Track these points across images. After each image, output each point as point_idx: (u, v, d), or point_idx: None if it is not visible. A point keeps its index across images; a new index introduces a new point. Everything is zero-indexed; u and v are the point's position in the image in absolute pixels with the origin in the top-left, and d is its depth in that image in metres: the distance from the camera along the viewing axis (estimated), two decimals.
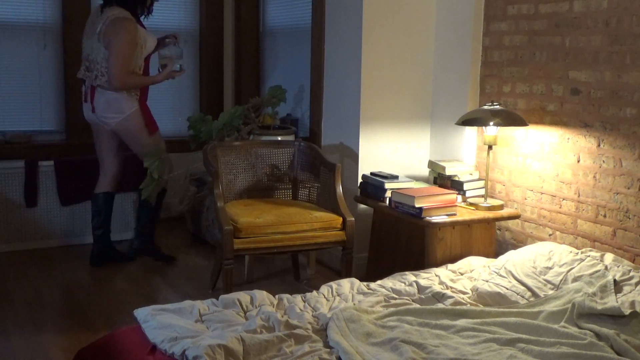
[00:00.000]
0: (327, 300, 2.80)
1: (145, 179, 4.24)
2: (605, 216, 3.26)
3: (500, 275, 3.01)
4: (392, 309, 2.63)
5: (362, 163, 4.14)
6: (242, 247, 3.45)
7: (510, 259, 3.13)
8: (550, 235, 3.56)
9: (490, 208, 3.57)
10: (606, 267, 2.89)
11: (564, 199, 3.48)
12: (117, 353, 2.34)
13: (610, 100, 3.22)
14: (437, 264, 3.32)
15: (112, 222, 4.63)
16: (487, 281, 2.97)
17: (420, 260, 3.43)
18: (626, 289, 2.73)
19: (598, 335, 2.40)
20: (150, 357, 2.26)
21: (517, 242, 3.73)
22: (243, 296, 2.72)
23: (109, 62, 4.07)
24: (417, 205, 3.39)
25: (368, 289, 2.92)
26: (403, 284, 2.95)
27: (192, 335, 2.31)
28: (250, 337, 2.29)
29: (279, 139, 4.32)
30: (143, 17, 4.30)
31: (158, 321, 2.43)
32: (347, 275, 3.54)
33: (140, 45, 4.13)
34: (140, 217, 4.47)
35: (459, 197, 3.67)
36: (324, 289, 2.90)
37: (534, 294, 2.85)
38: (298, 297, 2.78)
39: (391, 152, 4.23)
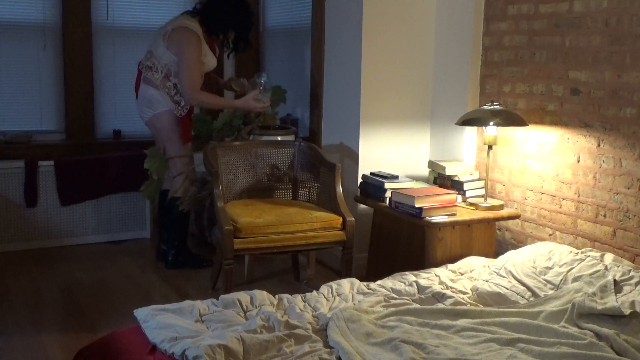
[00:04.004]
0: (327, 300, 2.80)
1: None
2: (605, 216, 3.26)
3: (500, 275, 3.01)
4: (392, 309, 2.63)
5: (362, 163, 4.14)
6: (242, 247, 3.45)
7: (510, 259, 3.13)
8: (550, 235, 3.56)
9: (490, 208, 3.57)
10: (606, 267, 2.89)
11: (564, 199, 3.48)
12: (117, 353, 2.34)
13: (610, 100, 3.22)
14: (437, 264, 3.32)
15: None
16: (487, 281, 2.97)
17: (420, 260, 3.43)
18: (626, 289, 2.73)
19: (598, 335, 2.40)
20: (150, 357, 2.26)
21: (517, 242, 3.73)
22: (243, 296, 2.72)
23: (179, 77, 4.09)
24: (417, 205, 3.39)
25: (368, 289, 2.92)
26: (403, 284, 2.95)
27: (192, 335, 2.31)
28: (250, 337, 2.29)
29: (279, 139, 4.32)
30: (226, 50, 4.36)
31: (158, 321, 2.43)
32: (347, 275, 3.54)
33: (202, 61, 4.14)
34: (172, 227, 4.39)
35: (459, 197, 3.67)
36: (324, 289, 2.89)
37: (534, 294, 2.85)
38: (298, 297, 2.78)
39: (391, 152, 4.23)
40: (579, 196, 3.40)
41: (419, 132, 4.31)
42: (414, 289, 2.90)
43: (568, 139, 3.44)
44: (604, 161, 3.27)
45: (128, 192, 4.87)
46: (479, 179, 3.80)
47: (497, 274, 3.03)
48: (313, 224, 3.58)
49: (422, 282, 2.95)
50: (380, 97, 4.15)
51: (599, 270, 2.86)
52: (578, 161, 3.40)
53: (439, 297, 2.83)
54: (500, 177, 3.86)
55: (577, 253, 3.06)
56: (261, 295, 2.74)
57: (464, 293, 2.92)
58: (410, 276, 3.03)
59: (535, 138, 3.63)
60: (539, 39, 3.57)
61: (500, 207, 3.62)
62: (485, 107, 3.57)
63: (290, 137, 4.41)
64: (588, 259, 2.98)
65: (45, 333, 3.33)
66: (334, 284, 2.93)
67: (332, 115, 4.41)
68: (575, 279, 2.86)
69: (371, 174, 3.86)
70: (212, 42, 4.29)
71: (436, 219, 3.38)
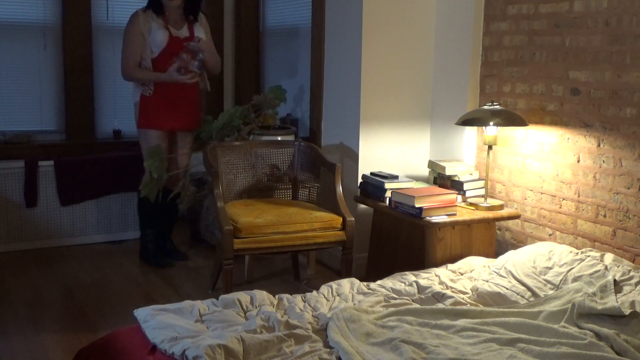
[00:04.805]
0: (327, 300, 2.80)
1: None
2: (605, 216, 3.26)
3: (500, 275, 3.01)
4: (392, 309, 2.63)
5: (362, 163, 4.14)
6: (242, 247, 3.45)
7: (510, 259, 3.13)
8: (550, 235, 3.56)
9: (490, 208, 3.57)
10: (606, 267, 2.88)
11: (564, 199, 3.48)
12: (117, 353, 2.34)
13: (610, 100, 3.22)
14: (437, 264, 3.32)
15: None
16: (487, 281, 2.97)
17: (420, 260, 3.43)
18: (626, 289, 2.73)
19: (598, 335, 2.40)
20: (150, 357, 2.26)
21: (517, 242, 3.73)
22: (243, 296, 2.72)
23: None
24: (417, 205, 3.39)
25: (368, 289, 2.92)
26: (403, 284, 2.95)
27: (192, 335, 2.31)
28: (250, 337, 2.29)
29: (279, 139, 4.32)
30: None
31: (158, 321, 2.43)
32: (347, 275, 3.54)
33: (144, 37, 4.17)
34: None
35: (459, 197, 3.67)
36: (324, 289, 2.89)
37: (534, 294, 2.85)
38: (298, 297, 2.78)
39: (391, 152, 4.23)
40: (579, 196, 3.40)
41: (419, 132, 4.31)
42: (414, 289, 2.90)
43: (568, 139, 3.44)
44: (604, 161, 3.27)
45: (128, 192, 4.87)
46: (479, 179, 3.80)
47: (497, 274, 3.03)
48: (313, 224, 3.58)
49: (422, 282, 2.95)
50: (380, 97, 4.15)
51: (599, 270, 2.86)
52: (578, 161, 3.40)
53: (439, 297, 2.83)
54: (500, 177, 3.86)
55: (577, 253, 3.06)
56: (261, 295, 2.74)
57: (464, 293, 2.92)
58: (410, 276, 3.03)
59: (535, 138, 3.63)
60: (539, 39, 3.57)
61: (500, 207, 3.62)
62: (485, 107, 3.57)
63: (290, 137, 4.41)
64: (588, 259, 2.98)
65: (45, 333, 3.33)
66: (334, 284, 2.93)
67: (332, 115, 4.41)
68: (575, 279, 2.86)
69: (371, 174, 3.86)
70: (171, 21, 4.25)
71: (436, 219, 3.38)
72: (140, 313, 2.55)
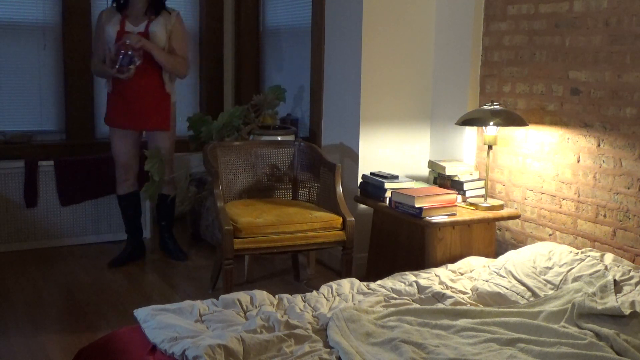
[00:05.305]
0: (327, 300, 2.80)
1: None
2: (605, 216, 3.26)
3: (500, 275, 3.01)
4: (392, 309, 2.63)
5: (362, 163, 4.14)
6: (242, 247, 3.45)
7: (510, 259, 3.13)
8: (550, 235, 3.56)
9: (490, 208, 3.57)
10: (606, 267, 2.89)
11: (564, 199, 3.48)
12: (117, 353, 2.34)
13: (610, 100, 3.22)
14: (437, 264, 3.32)
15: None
16: (487, 281, 2.97)
17: (420, 260, 3.43)
18: (626, 289, 2.73)
19: (598, 335, 2.40)
20: (150, 357, 2.26)
21: (517, 242, 3.73)
22: (243, 296, 2.72)
23: None
24: (417, 205, 3.39)
25: (368, 289, 2.92)
26: (403, 284, 2.95)
27: (192, 335, 2.31)
28: (250, 337, 2.29)
29: (279, 139, 4.32)
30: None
31: (158, 321, 2.43)
32: (347, 275, 3.54)
33: (101, 31, 4.20)
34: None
35: (459, 197, 3.67)
36: (324, 289, 2.89)
37: (534, 294, 2.85)
38: (298, 297, 2.78)
39: (391, 152, 4.23)
40: (579, 196, 3.40)
41: (419, 132, 4.31)
42: (414, 289, 2.90)
43: (568, 139, 3.44)
44: (604, 161, 3.27)
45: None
46: (479, 179, 3.80)
47: (497, 274, 3.03)
48: (313, 224, 3.58)
49: (422, 282, 2.95)
50: (380, 97, 4.15)
51: (599, 270, 2.86)
52: (578, 161, 3.40)
53: (439, 297, 2.83)
54: (500, 177, 3.86)
55: (577, 253, 3.06)
56: (261, 295, 2.74)
57: (464, 293, 2.92)
58: (410, 276, 3.03)
59: (535, 138, 3.63)
60: (539, 39, 3.57)
61: (500, 207, 3.62)
62: (485, 107, 3.57)
63: (290, 137, 4.41)
64: (588, 259, 2.98)
65: (45, 333, 3.33)
66: (334, 284, 2.93)
67: (332, 115, 4.41)
68: (575, 279, 2.86)
69: (371, 174, 3.86)
70: (126, 15, 4.20)
71: (436, 219, 3.38)
72: (140, 313, 2.55)
